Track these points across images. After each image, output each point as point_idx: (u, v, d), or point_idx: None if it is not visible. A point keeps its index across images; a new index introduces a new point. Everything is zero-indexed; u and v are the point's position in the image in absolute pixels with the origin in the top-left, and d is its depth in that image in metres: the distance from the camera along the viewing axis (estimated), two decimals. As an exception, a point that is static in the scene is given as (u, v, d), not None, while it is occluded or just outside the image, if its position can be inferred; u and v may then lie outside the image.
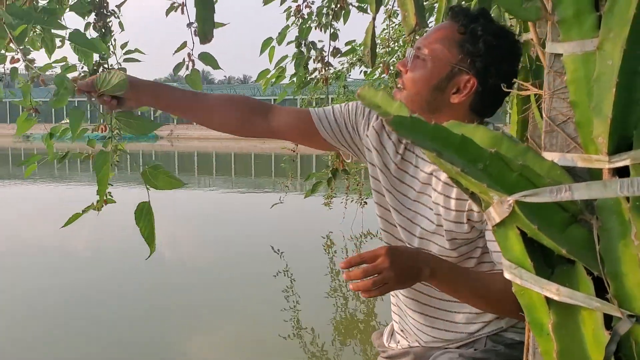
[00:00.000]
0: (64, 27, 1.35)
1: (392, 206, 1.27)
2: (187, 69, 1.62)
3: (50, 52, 1.48)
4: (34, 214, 10.35)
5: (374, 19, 1.13)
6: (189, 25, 1.54)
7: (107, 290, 6.02)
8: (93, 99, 1.18)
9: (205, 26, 1.03)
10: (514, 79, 1.13)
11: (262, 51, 2.52)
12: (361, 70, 5.27)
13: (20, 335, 4.79)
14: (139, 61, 1.72)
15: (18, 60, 1.43)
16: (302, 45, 2.64)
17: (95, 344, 4.61)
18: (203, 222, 9.78)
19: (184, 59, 1.61)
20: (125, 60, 1.70)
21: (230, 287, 6.20)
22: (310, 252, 7.60)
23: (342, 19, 2.59)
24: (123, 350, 4.49)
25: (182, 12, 1.54)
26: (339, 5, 2.46)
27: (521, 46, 1.12)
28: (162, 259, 6.84)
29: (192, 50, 1.59)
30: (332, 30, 2.55)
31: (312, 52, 2.59)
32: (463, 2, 1.34)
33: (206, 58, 1.55)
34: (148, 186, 1.08)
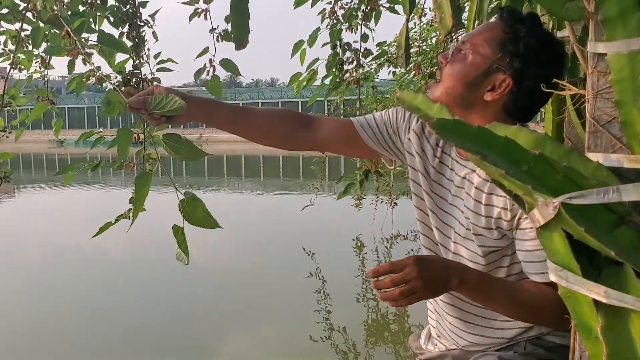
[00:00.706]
0: (93, 30, 1.38)
1: (430, 209, 1.27)
2: (208, 74, 1.62)
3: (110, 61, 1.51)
4: (72, 217, 10.57)
5: (407, 20, 1.13)
6: (212, 31, 1.56)
7: (141, 294, 6.12)
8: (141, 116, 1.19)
9: (241, 33, 1.05)
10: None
11: (293, 54, 2.54)
12: (390, 71, 5.24)
13: (58, 338, 4.90)
14: (172, 70, 1.74)
15: (77, 53, 1.46)
16: (337, 47, 2.65)
17: (129, 347, 4.69)
18: (234, 225, 9.85)
19: (205, 64, 1.62)
20: (159, 70, 1.71)
21: (262, 289, 6.23)
22: (340, 254, 7.59)
23: (373, 20, 2.59)
24: (158, 352, 4.56)
25: (205, 18, 1.56)
26: (369, 7, 2.46)
27: (565, 54, 1.11)
28: (194, 262, 6.90)
29: (214, 56, 1.59)
30: (362, 32, 2.55)
31: (347, 54, 2.59)
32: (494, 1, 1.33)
33: (227, 64, 1.55)
34: (185, 219, 1.10)
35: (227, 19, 1.46)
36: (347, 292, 6.24)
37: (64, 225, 9.95)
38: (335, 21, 2.57)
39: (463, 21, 1.08)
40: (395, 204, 5.86)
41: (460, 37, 1.23)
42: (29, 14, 1.33)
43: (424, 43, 5.75)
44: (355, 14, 2.59)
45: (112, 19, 1.63)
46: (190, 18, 1.46)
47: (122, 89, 1.15)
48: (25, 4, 1.30)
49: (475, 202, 1.16)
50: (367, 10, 2.49)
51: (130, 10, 1.61)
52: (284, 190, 14.70)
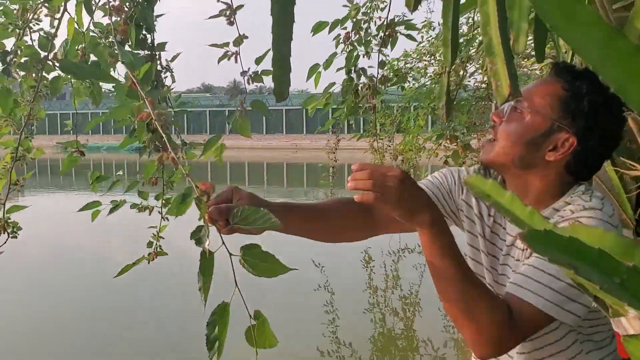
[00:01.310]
0: (115, 80, 1.34)
1: (486, 268, 1.24)
2: (238, 115, 1.55)
3: (97, 102, 1.48)
4: (77, 222, 10.55)
5: (448, 72, 1.11)
6: (243, 73, 1.52)
7: (149, 308, 6.09)
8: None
9: (282, 86, 1.02)
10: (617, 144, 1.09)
11: (308, 77, 2.52)
12: (398, 86, 5.23)
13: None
14: (191, 105, 1.71)
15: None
16: (352, 72, 2.63)
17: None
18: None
19: (235, 101, 1.55)
20: (178, 106, 1.68)
21: (271, 301, 6.21)
22: (349, 267, 7.57)
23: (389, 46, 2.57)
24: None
25: (236, 61, 1.52)
26: (387, 33, 2.43)
27: (626, 111, 1.08)
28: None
29: (244, 98, 1.53)
30: (380, 58, 2.52)
31: (362, 79, 2.57)
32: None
33: (257, 105, 1.52)
34: (247, 269, 0.99)
35: (257, 61, 1.44)
36: (355, 306, 6.22)
37: (66, 227, 9.92)
38: (350, 47, 2.55)
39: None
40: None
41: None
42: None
43: (432, 57, 5.74)
44: (370, 39, 2.57)
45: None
46: (219, 60, 1.43)
47: (199, 186, 1.07)
48: (46, 53, 1.27)
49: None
50: (384, 37, 2.46)
51: (148, 53, 1.58)
52: (289, 198, 14.68)
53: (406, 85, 5.37)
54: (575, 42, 0.56)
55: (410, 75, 5.60)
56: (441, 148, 4.41)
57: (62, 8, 1.33)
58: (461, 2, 1.08)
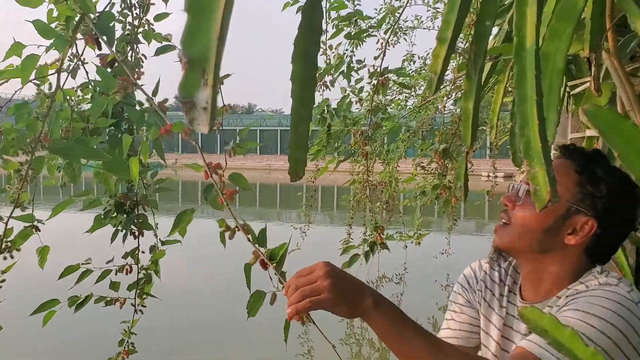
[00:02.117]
0: (104, 157, 1.26)
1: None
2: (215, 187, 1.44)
3: (75, 181, 1.38)
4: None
5: (467, 153, 1.07)
6: (226, 144, 1.44)
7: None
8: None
9: (297, 166, 0.97)
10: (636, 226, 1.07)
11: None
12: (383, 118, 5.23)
13: None
14: (170, 190, 1.61)
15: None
16: (325, 112, 2.61)
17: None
18: (210, 259, 9.66)
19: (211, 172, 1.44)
20: (158, 187, 1.59)
21: (244, 331, 6.09)
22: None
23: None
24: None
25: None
26: (380, 81, 2.41)
27: None
28: (167, 291, 6.73)
29: (223, 171, 1.42)
30: (373, 105, 2.50)
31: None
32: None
33: (236, 178, 1.44)
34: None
35: (157, 52, 1.40)
36: (331, 336, 6.13)
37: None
38: (345, 93, 2.53)
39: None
40: (386, 247, 5.80)
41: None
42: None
43: (413, 90, 5.77)
44: (362, 87, 2.55)
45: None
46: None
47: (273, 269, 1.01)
48: (36, 135, 1.17)
49: None
50: (377, 84, 2.44)
51: (127, 126, 1.50)
52: (262, 219, 14.54)
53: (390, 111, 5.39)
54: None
55: (391, 107, 5.62)
56: (420, 171, 4.43)
57: (55, 85, 1.25)
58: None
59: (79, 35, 1.32)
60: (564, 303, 1.04)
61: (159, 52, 1.44)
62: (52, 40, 1.25)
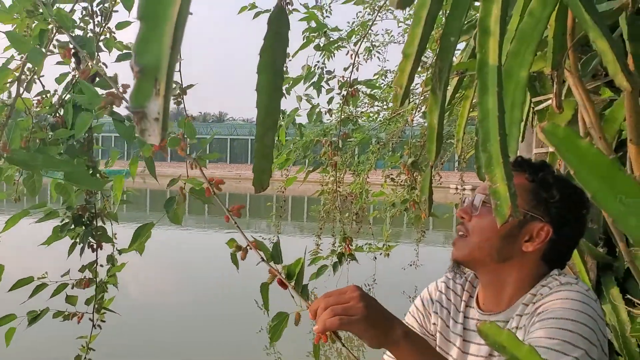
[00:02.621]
0: (69, 167, 1.23)
1: None
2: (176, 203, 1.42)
3: (34, 194, 1.34)
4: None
5: (432, 166, 1.08)
6: (187, 156, 1.41)
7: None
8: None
9: (263, 177, 0.96)
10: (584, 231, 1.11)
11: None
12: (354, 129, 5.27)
13: None
14: (130, 203, 1.57)
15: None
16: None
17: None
18: (176, 270, 9.54)
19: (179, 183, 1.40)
20: (122, 202, 1.55)
21: (207, 343, 6.01)
22: (294, 308, 7.42)
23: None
24: None
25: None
26: (350, 92, 2.43)
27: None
28: (124, 306, 6.62)
29: (185, 185, 1.39)
30: (342, 116, 2.51)
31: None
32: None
33: (196, 192, 1.42)
34: None
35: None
36: (299, 349, 6.10)
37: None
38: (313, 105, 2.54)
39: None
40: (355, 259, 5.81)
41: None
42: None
43: (384, 103, 5.81)
44: (333, 97, 2.56)
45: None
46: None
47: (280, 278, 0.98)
48: None
49: None
50: (347, 95, 2.45)
51: (86, 136, 1.47)
52: (230, 229, 14.35)
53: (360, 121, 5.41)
54: (614, 213, 0.53)
55: (363, 119, 5.66)
56: (389, 183, 4.45)
57: (15, 92, 1.21)
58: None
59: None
60: (532, 311, 1.05)
61: (121, 59, 1.42)
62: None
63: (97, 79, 1.31)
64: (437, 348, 1.23)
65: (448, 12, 0.97)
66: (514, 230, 1.10)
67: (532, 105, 1.91)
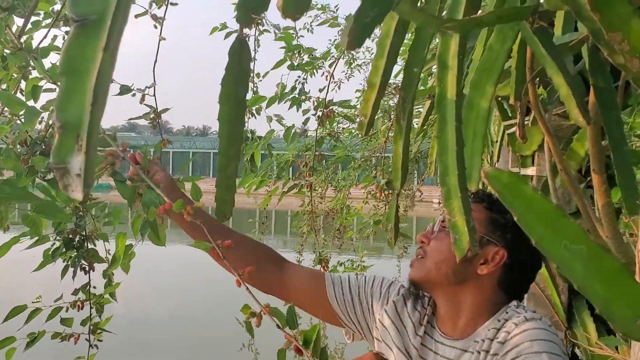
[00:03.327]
0: (36, 199, 1.21)
1: None
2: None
3: (3, 226, 1.32)
4: None
5: (398, 195, 1.08)
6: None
7: None
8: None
9: (225, 207, 0.96)
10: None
11: (247, 155, 2.48)
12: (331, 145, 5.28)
13: None
14: (121, 223, 1.57)
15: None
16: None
17: None
18: (156, 286, 9.43)
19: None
20: (105, 223, 1.55)
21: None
22: (275, 325, 7.37)
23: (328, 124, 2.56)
24: None
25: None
26: (325, 113, 2.42)
27: None
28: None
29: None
30: (318, 137, 2.51)
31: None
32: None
33: (177, 206, 1.40)
34: None
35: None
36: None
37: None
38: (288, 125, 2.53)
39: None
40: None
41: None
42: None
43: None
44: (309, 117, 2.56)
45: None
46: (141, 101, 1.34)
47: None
48: None
49: None
50: (322, 116, 2.45)
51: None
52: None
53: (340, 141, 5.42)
54: (559, 259, 0.53)
55: (343, 135, 5.66)
56: (371, 199, 4.45)
57: None
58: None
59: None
60: (500, 346, 1.04)
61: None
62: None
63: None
64: (377, 342, 1.22)
65: (411, 43, 0.98)
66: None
67: (504, 128, 1.93)
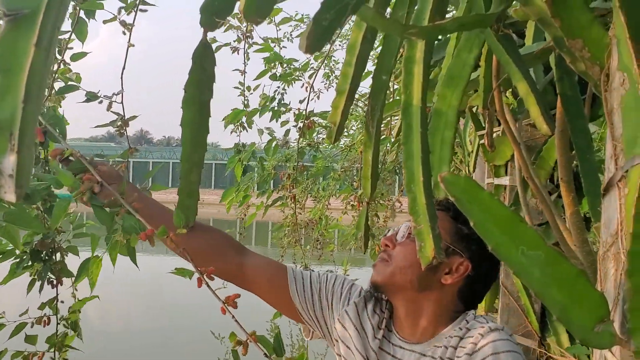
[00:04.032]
0: (4, 208, 1.18)
1: None
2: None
3: None
4: None
5: (368, 203, 1.07)
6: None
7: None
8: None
9: (188, 214, 0.94)
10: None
11: (228, 168, 2.48)
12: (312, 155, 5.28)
13: None
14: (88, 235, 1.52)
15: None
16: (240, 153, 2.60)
17: None
18: (132, 299, 9.30)
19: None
20: (75, 235, 1.51)
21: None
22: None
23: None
24: None
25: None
26: (306, 125, 2.42)
27: None
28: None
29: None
30: (299, 148, 2.50)
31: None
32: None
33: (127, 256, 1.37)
34: None
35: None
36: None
37: None
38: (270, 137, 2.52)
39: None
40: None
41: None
42: None
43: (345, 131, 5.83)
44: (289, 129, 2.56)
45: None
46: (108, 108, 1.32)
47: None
48: None
49: None
50: (303, 127, 2.45)
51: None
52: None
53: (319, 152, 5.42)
54: (516, 265, 0.53)
55: (323, 145, 5.66)
56: (350, 210, 4.44)
57: None
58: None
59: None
60: (465, 355, 1.04)
61: (62, 91, 1.38)
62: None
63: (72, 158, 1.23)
64: (336, 343, 1.21)
65: (379, 51, 0.98)
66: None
67: (479, 138, 1.94)
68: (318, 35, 0.58)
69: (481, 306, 1.89)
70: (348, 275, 4.50)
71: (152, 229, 1.04)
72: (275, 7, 2.62)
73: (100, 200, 1.14)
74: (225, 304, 1.00)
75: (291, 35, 4.23)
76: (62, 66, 1.57)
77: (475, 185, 0.51)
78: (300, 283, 1.26)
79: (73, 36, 1.54)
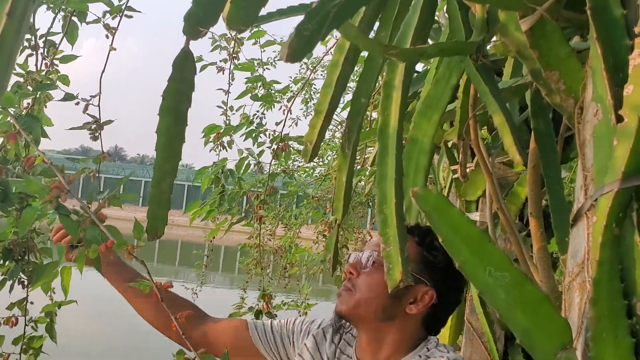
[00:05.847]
0: None
1: None
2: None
3: None
4: None
5: (339, 225, 1.07)
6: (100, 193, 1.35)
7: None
8: None
9: (157, 223, 0.92)
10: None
11: (195, 179, 2.45)
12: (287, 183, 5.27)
13: None
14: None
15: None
16: (220, 173, 2.58)
17: None
18: (98, 318, 9.05)
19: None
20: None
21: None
22: None
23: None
24: None
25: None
26: (280, 147, 2.41)
27: None
28: None
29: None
30: (272, 170, 2.49)
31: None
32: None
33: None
34: None
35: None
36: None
37: None
38: (243, 154, 2.51)
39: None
40: (275, 315, 5.68)
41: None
42: None
43: (320, 159, 5.86)
44: (263, 150, 2.55)
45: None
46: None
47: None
48: None
49: None
50: (277, 150, 2.44)
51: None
52: (159, 275, 13.79)
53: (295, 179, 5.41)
54: (482, 285, 0.52)
55: (299, 173, 5.66)
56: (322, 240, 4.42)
57: None
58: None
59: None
60: None
61: (39, 88, 1.36)
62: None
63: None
64: None
65: (359, 74, 0.99)
66: (401, 291, 1.09)
67: (452, 172, 1.96)
68: (300, 45, 0.58)
69: (444, 340, 1.88)
70: (308, 299, 4.45)
71: (112, 240, 1.05)
72: (259, 29, 2.65)
73: (65, 209, 1.12)
74: (159, 289, 1.00)
75: (274, 60, 4.27)
76: (51, 69, 1.56)
77: (446, 202, 0.50)
78: (262, 331, 1.32)
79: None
